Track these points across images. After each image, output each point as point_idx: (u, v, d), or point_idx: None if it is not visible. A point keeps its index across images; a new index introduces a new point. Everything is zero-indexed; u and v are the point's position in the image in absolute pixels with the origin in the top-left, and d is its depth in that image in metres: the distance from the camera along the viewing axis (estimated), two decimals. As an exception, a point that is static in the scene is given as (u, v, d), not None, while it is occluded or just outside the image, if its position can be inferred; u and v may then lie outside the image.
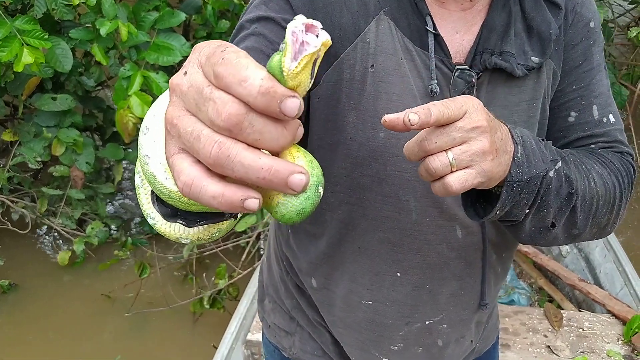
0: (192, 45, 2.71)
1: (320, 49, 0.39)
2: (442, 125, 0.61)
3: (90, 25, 2.59)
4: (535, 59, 0.83)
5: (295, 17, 0.39)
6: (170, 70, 3.11)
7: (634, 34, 2.76)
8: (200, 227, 0.58)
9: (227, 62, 0.38)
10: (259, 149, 0.39)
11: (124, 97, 2.58)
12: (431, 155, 0.62)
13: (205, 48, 0.41)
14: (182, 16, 2.57)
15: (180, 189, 0.39)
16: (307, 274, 1.00)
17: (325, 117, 0.85)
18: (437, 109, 0.60)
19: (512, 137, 0.70)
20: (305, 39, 0.39)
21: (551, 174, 0.73)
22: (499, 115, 0.85)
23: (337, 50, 0.82)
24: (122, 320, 2.89)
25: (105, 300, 2.98)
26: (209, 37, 2.81)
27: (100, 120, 3.19)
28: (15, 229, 3.03)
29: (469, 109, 0.62)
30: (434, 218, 0.87)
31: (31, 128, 2.82)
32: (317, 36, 0.39)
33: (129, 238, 2.93)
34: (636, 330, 2.10)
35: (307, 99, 0.84)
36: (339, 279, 0.96)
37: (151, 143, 0.52)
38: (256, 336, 2.15)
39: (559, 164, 0.75)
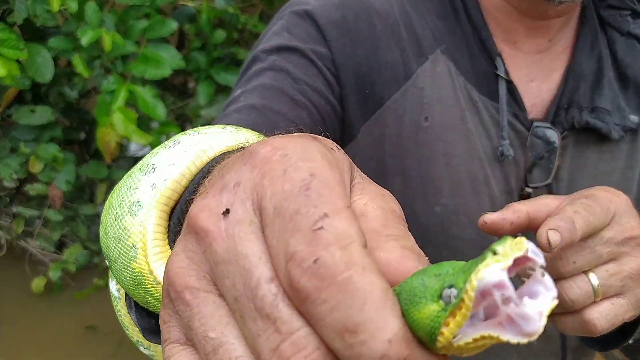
0: (185, 57, 2.51)
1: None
2: None
3: (73, 32, 2.38)
4: (634, 118, 0.66)
5: (496, 251, 0.20)
6: (162, 83, 2.88)
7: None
8: None
9: (324, 275, 0.19)
10: None
11: (107, 112, 2.35)
12: (565, 279, 0.45)
13: (270, 172, 0.22)
14: (173, 25, 2.34)
15: None
16: None
17: None
18: (583, 219, 0.42)
19: None
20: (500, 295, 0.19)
21: None
22: (588, 188, 0.68)
23: (382, 96, 0.64)
24: (104, 353, 2.65)
25: (85, 332, 2.74)
26: (203, 48, 2.57)
27: (85, 133, 2.96)
28: (-11, 251, 2.80)
29: (617, 210, 0.46)
30: None
31: (7, 143, 2.60)
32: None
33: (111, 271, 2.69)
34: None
35: None
36: None
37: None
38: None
39: None
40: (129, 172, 0.37)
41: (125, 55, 2.41)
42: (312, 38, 0.63)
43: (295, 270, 0.20)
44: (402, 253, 0.23)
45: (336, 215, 0.21)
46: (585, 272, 0.45)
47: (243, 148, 0.34)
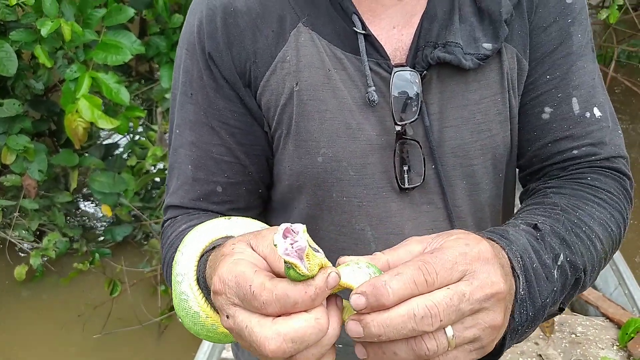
0: (147, 44, 2.58)
1: (307, 239, 0.45)
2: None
3: (33, 25, 2.43)
4: (487, 46, 0.71)
5: (275, 241, 0.45)
6: (126, 70, 2.95)
7: (604, 16, 2.63)
8: None
9: (270, 302, 0.46)
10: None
11: (72, 100, 2.42)
12: (427, 333, 0.47)
13: (227, 290, 0.49)
14: (131, 12, 2.40)
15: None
16: None
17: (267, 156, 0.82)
18: (404, 281, 0.46)
19: (512, 267, 0.55)
20: (292, 243, 0.45)
21: (555, 274, 0.60)
22: (458, 117, 0.74)
23: (256, 80, 0.74)
24: (87, 335, 2.74)
25: (70, 316, 2.83)
26: (162, 33, 2.64)
27: (54, 125, 3.02)
28: (-31, 244, 2.87)
29: (470, 267, 0.48)
30: None
31: (-22, 137, 2.65)
32: (293, 231, 0.45)
33: (96, 254, 2.78)
34: (632, 335, 1.98)
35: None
36: None
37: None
38: (232, 354, 2.00)
39: (561, 257, 0.61)
40: (174, 290, 0.65)
41: (87, 44, 2.47)
42: (207, 68, 0.74)
43: (263, 310, 0.46)
44: (280, 261, 0.47)
45: (255, 279, 0.47)
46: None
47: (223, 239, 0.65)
